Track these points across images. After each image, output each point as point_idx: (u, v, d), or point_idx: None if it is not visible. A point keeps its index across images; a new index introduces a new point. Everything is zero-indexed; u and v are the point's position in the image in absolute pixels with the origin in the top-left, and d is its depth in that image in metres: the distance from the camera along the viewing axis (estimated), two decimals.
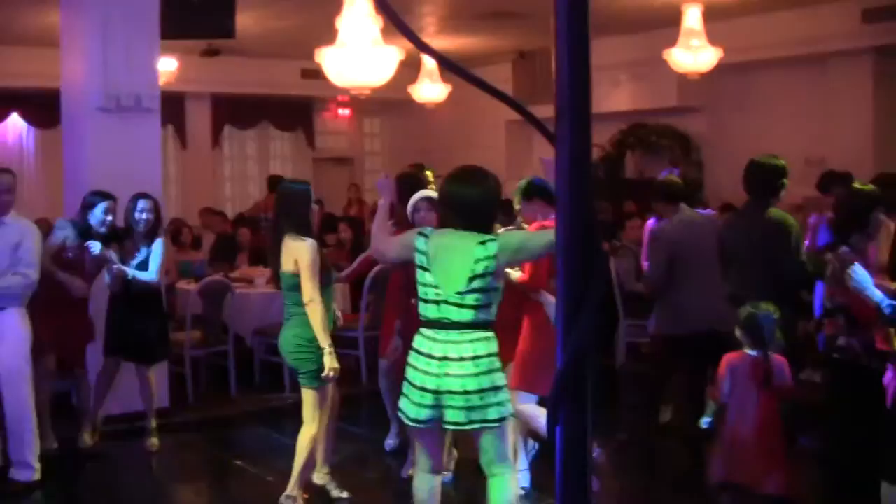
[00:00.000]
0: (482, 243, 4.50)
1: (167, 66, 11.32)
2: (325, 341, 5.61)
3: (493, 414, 4.49)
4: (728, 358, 5.55)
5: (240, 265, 10.67)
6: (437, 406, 4.51)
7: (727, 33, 10.73)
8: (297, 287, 5.63)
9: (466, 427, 4.55)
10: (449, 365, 4.46)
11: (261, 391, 9.01)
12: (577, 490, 1.81)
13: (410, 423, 4.67)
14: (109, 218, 6.95)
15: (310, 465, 5.92)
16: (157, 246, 7.20)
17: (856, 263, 4.81)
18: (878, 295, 4.51)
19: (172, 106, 13.59)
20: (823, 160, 12.10)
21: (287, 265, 5.67)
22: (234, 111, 16.55)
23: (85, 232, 6.87)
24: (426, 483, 4.84)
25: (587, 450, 1.78)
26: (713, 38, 9.63)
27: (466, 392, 4.43)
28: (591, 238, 1.71)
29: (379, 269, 7.93)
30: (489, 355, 4.51)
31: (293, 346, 5.76)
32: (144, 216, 7.14)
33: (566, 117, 1.63)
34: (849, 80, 12.43)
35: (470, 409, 4.45)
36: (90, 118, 7.94)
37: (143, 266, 7.09)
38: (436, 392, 4.48)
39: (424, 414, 4.56)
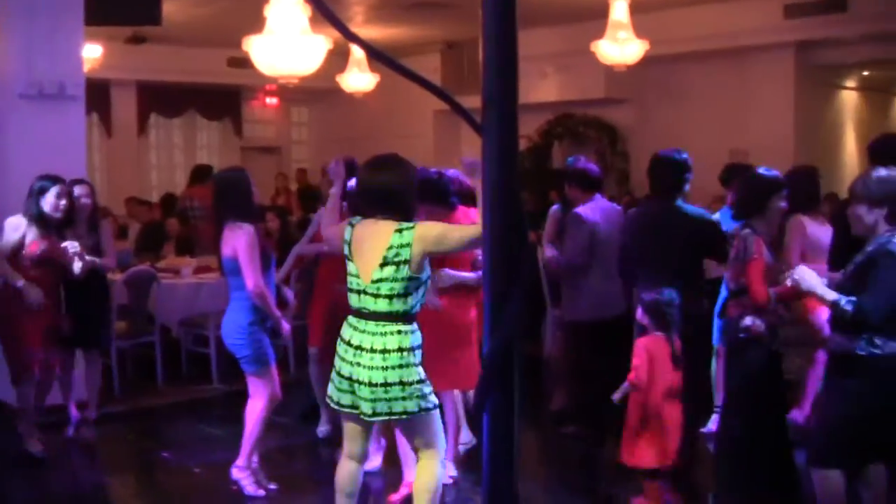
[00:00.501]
0: (399, 231, 4.46)
1: (92, 53, 11.16)
2: (274, 315, 5.82)
3: (398, 408, 4.46)
4: (644, 342, 5.92)
5: (166, 255, 10.56)
6: (354, 392, 4.53)
7: (653, 26, 10.84)
8: (236, 272, 5.68)
9: (374, 419, 4.56)
10: (361, 355, 4.46)
11: (188, 382, 8.93)
12: (504, 476, 1.83)
13: (335, 407, 4.70)
14: (63, 202, 6.66)
15: (260, 435, 5.94)
16: (107, 230, 7.42)
17: (800, 266, 4.93)
18: (832, 295, 4.52)
19: (97, 94, 13.43)
20: (747, 152, 12.32)
21: (226, 251, 5.72)
22: (161, 99, 16.38)
23: (39, 219, 6.63)
24: (347, 468, 4.83)
25: (514, 437, 1.81)
26: (640, 31, 9.73)
27: (371, 384, 4.42)
28: (517, 228, 1.73)
29: (306, 258, 7.91)
30: (400, 350, 4.44)
31: (229, 330, 5.84)
32: (83, 202, 7.11)
33: (493, 108, 1.64)
34: (771, 73, 12.66)
35: (375, 401, 4.44)
36: (12, 106, 7.80)
37: (95, 252, 7.05)
38: (349, 379, 4.51)
39: (345, 399, 4.59)
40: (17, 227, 6.62)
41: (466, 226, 4.75)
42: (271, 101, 17.94)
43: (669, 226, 6.16)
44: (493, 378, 1.80)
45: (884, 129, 16.31)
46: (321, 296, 6.77)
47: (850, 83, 15.35)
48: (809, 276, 4.68)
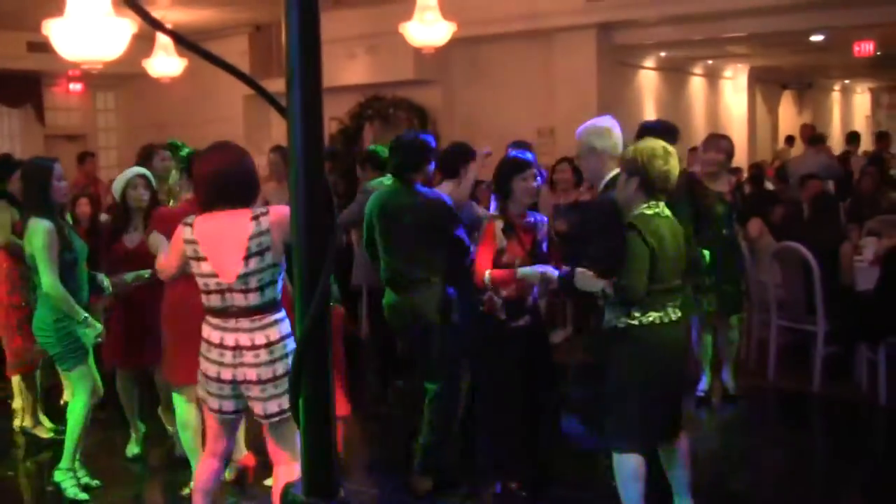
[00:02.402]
0: (255, 218, 4.24)
1: None
2: (78, 315, 5.57)
3: (287, 403, 4.21)
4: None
5: None
6: (240, 396, 4.33)
7: (460, 8, 11.00)
8: (37, 269, 5.51)
9: (264, 421, 4.35)
10: (243, 354, 4.24)
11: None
12: (323, 464, 1.88)
13: (217, 415, 4.44)
14: None
15: (83, 434, 5.78)
16: None
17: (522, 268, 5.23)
18: (598, 284, 4.67)
19: None
20: (553, 131, 12.66)
21: (26, 246, 5.56)
22: None
23: None
24: (210, 467, 4.62)
25: (331, 422, 1.85)
26: (447, 13, 9.86)
27: (262, 381, 4.24)
28: (325, 211, 1.77)
29: None
30: (282, 339, 4.29)
31: (38, 328, 5.69)
32: None
33: (296, 90, 1.68)
34: (574, 54, 13.04)
35: (268, 399, 4.26)
36: None
37: None
38: (233, 382, 4.29)
39: (231, 405, 4.38)
40: None
41: None
42: (75, 87, 17.39)
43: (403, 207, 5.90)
44: (305, 363, 1.83)
45: (680, 107, 17.15)
46: None
47: (649, 63, 15.96)
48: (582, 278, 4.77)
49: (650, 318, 4.62)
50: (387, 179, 6.53)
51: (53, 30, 7.01)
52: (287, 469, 4.40)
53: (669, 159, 4.65)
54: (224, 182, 4.31)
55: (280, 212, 4.28)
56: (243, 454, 5.94)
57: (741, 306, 7.66)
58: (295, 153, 1.70)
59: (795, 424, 7.49)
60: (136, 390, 6.58)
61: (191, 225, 4.34)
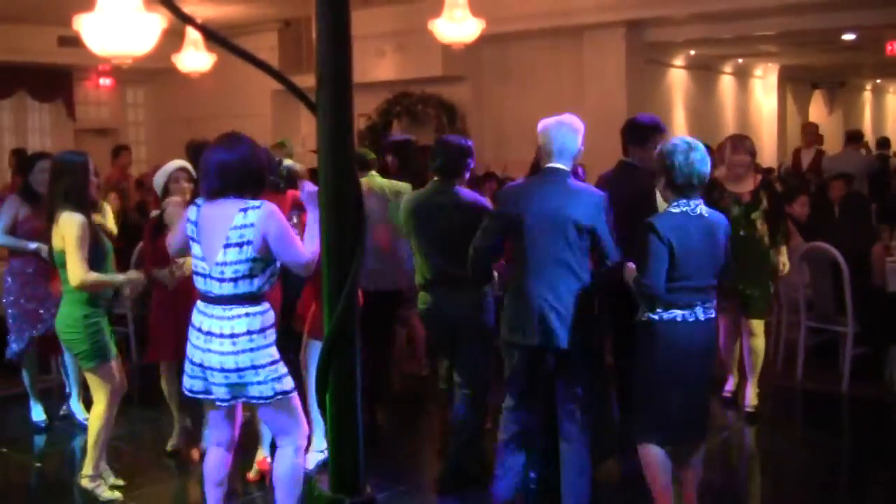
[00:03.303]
0: (243, 210, 4.31)
1: None
2: (115, 280, 5.73)
3: (255, 392, 4.38)
4: None
5: None
6: (206, 379, 4.44)
7: (489, 5, 10.98)
8: (66, 265, 5.46)
9: (232, 402, 4.49)
10: (211, 341, 4.35)
11: (20, 373, 8.66)
12: (348, 456, 1.88)
13: (188, 394, 4.61)
14: None
15: (107, 438, 5.72)
16: None
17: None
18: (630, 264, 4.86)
19: None
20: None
21: (57, 242, 5.50)
22: None
23: None
24: (215, 457, 4.74)
25: (357, 414, 1.85)
26: (476, 10, 9.84)
27: (224, 370, 4.34)
28: (353, 207, 1.77)
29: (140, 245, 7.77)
30: (249, 333, 4.33)
31: (64, 325, 5.61)
32: None
33: (327, 86, 1.67)
34: (603, 51, 12.98)
35: (230, 386, 4.37)
36: None
37: None
38: (201, 366, 4.41)
39: (197, 386, 4.51)
40: None
41: (303, 246, 4.42)
42: (105, 81, 17.47)
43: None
44: (333, 358, 1.83)
45: (709, 106, 17.07)
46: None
47: (679, 62, 15.88)
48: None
49: (672, 315, 4.67)
50: (371, 177, 6.76)
51: (84, 24, 7.04)
52: (280, 452, 4.62)
53: (691, 153, 4.67)
54: (226, 171, 4.39)
55: (273, 215, 4.33)
56: (263, 456, 5.95)
57: (765, 311, 7.29)
58: (324, 149, 1.70)
59: (824, 425, 7.44)
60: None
61: (198, 207, 4.49)
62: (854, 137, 13.69)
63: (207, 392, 4.51)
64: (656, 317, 4.69)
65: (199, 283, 4.45)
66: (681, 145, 4.69)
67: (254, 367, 4.34)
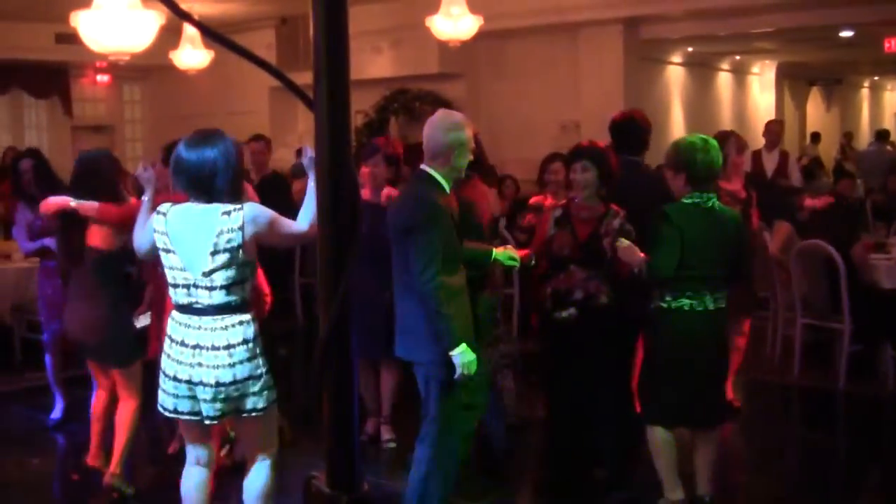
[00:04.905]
0: (226, 213, 4.03)
1: None
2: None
3: (250, 404, 4.16)
4: None
5: None
6: (194, 397, 4.16)
7: (486, 1, 10.96)
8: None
9: (220, 419, 4.25)
10: (202, 354, 4.09)
11: (23, 370, 8.67)
12: (345, 453, 1.89)
13: (170, 415, 4.31)
14: None
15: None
16: None
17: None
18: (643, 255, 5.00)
19: None
20: (578, 125, 12.63)
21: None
22: None
23: None
24: (195, 477, 4.47)
25: (353, 400, 1.86)
26: (472, 6, 9.84)
27: (219, 384, 4.08)
28: (349, 201, 1.77)
29: None
30: (245, 342, 4.11)
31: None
32: None
33: (323, 83, 1.68)
34: (601, 48, 12.99)
35: (224, 400, 4.11)
36: None
37: None
38: (189, 382, 4.13)
39: (183, 405, 4.21)
40: None
41: (296, 221, 4.18)
42: (102, 78, 17.47)
43: None
44: (332, 345, 1.84)
45: (707, 103, 17.10)
46: None
47: (676, 59, 15.90)
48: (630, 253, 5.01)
49: (681, 304, 4.87)
50: None
51: (81, 21, 7.04)
52: (259, 465, 4.37)
53: (710, 151, 4.92)
54: (200, 173, 4.09)
55: (256, 209, 4.12)
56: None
57: (749, 309, 7.21)
58: (321, 145, 1.70)
59: (820, 422, 7.45)
60: None
61: (164, 214, 4.19)
62: (882, 136, 13.83)
63: (195, 413, 4.22)
64: (665, 305, 4.90)
65: (180, 294, 4.16)
66: (699, 144, 4.94)
67: (251, 378, 4.13)
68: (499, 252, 5.15)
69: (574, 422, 5.56)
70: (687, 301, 4.85)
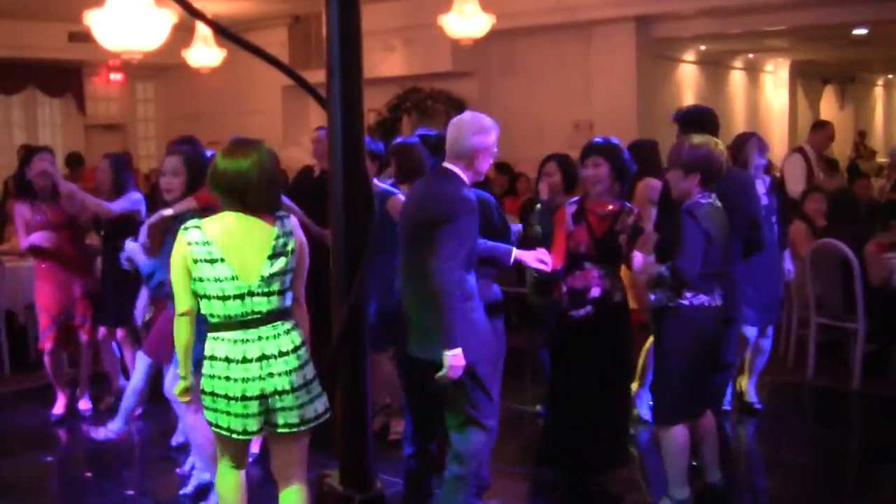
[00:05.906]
0: (279, 219, 3.97)
1: None
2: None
3: (321, 406, 4.03)
4: None
5: (9, 237, 10.22)
6: (267, 411, 4.00)
7: (498, 0, 10.98)
8: None
9: (301, 428, 4.04)
10: (271, 364, 3.96)
11: (37, 368, 8.68)
12: (358, 451, 1.89)
13: (242, 438, 4.07)
14: None
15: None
16: None
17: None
18: (661, 269, 5.04)
19: None
20: (592, 124, 12.62)
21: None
22: None
23: None
24: (232, 479, 4.29)
25: (366, 393, 1.86)
26: (485, 5, 9.84)
27: (294, 389, 3.97)
28: (363, 199, 1.77)
29: None
30: (304, 344, 4.05)
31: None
32: None
33: (336, 81, 1.68)
34: (613, 47, 12.98)
35: (301, 406, 4.00)
36: None
37: None
38: (261, 397, 3.96)
39: (255, 424, 4.02)
40: None
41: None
42: (115, 77, 17.52)
43: None
44: (346, 340, 1.84)
45: (720, 102, 17.04)
46: None
47: (689, 57, 15.86)
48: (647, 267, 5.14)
49: (700, 300, 4.92)
50: None
51: (94, 20, 7.07)
52: (296, 488, 4.17)
53: (720, 150, 5.02)
54: (235, 183, 3.96)
55: (297, 217, 4.21)
56: None
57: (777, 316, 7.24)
58: (335, 144, 1.70)
59: (834, 422, 7.42)
60: None
61: (197, 227, 4.01)
62: None
63: (270, 424, 4.04)
64: (686, 302, 4.92)
65: (235, 306, 3.99)
66: (713, 145, 5.01)
67: (316, 379, 4.07)
68: (523, 254, 5.02)
69: (574, 419, 5.51)
70: (706, 297, 4.92)
